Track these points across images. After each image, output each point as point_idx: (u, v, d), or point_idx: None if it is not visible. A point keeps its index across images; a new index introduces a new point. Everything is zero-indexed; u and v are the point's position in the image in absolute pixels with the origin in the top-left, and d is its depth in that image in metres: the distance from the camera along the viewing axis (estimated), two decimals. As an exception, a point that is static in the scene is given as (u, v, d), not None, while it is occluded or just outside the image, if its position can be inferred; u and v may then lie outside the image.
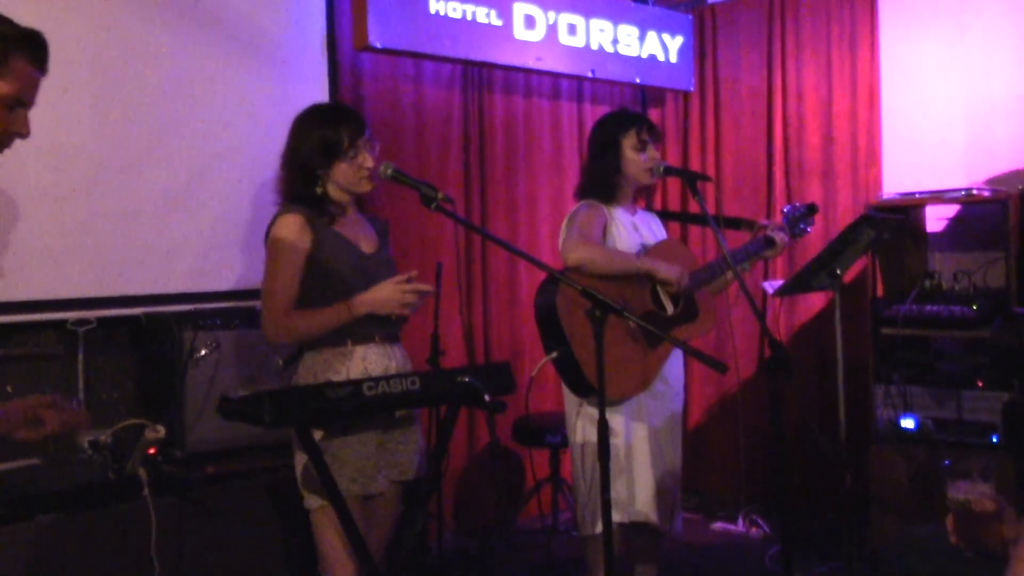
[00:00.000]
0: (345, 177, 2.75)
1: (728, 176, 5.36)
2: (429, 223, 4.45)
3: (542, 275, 3.21)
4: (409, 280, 2.69)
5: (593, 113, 5.14)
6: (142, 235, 3.52)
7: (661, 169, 3.34)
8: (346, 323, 2.67)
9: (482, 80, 4.82)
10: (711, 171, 5.36)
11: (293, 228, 2.69)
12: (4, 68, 1.79)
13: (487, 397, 2.50)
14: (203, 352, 3.26)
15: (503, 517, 4.70)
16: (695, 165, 5.43)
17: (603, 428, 2.58)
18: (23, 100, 1.84)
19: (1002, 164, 4.43)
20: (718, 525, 4.90)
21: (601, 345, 2.53)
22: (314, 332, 2.69)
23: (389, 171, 2.66)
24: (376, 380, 2.44)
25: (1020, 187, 4.11)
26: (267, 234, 2.74)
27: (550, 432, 4.44)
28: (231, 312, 3.40)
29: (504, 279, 4.89)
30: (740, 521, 4.83)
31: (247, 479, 3.22)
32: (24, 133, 1.87)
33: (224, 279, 3.72)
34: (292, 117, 2.85)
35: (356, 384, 2.41)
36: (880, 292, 4.35)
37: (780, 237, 3.40)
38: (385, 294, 2.67)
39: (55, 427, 2.00)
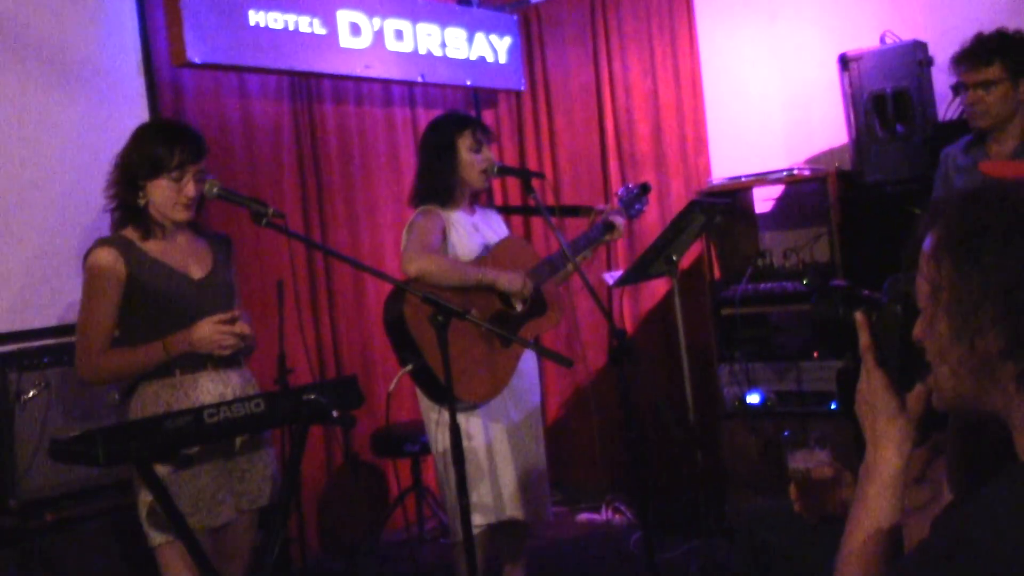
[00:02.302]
0: (163, 195, 2.63)
1: (565, 171, 5.43)
2: (267, 240, 4.34)
3: (390, 285, 3.17)
4: (232, 320, 2.61)
5: (427, 118, 5.10)
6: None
7: (496, 169, 3.35)
8: (164, 361, 2.58)
9: (311, 91, 4.73)
10: (548, 168, 5.43)
11: (105, 263, 2.58)
12: None
13: (335, 413, 2.44)
14: (31, 393, 3.08)
15: (368, 531, 4.64)
16: (532, 163, 5.49)
17: (455, 434, 2.58)
18: None
19: (819, 144, 4.65)
20: (582, 516, 4.96)
21: (446, 350, 2.51)
22: (129, 372, 2.60)
23: (215, 190, 2.59)
24: (217, 406, 2.36)
25: (837, 165, 4.32)
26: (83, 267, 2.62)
27: (409, 441, 4.40)
28: (60, 348, 3.23)
29: (350, 291, 4.82)
30: (603, 510, 4.90)
31: (90, 522, 3.07)
32: None
33: (50, 314, 3.53)
34: (111, 140, 2.74)
35: (196, 412, 2.31)
36: (717, 274, 4.49)
37: (617, 220, 3.46)
38: (202, 334, 2.57)
39: None
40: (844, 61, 4.06)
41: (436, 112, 5.17)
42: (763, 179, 4.37)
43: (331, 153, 4.81)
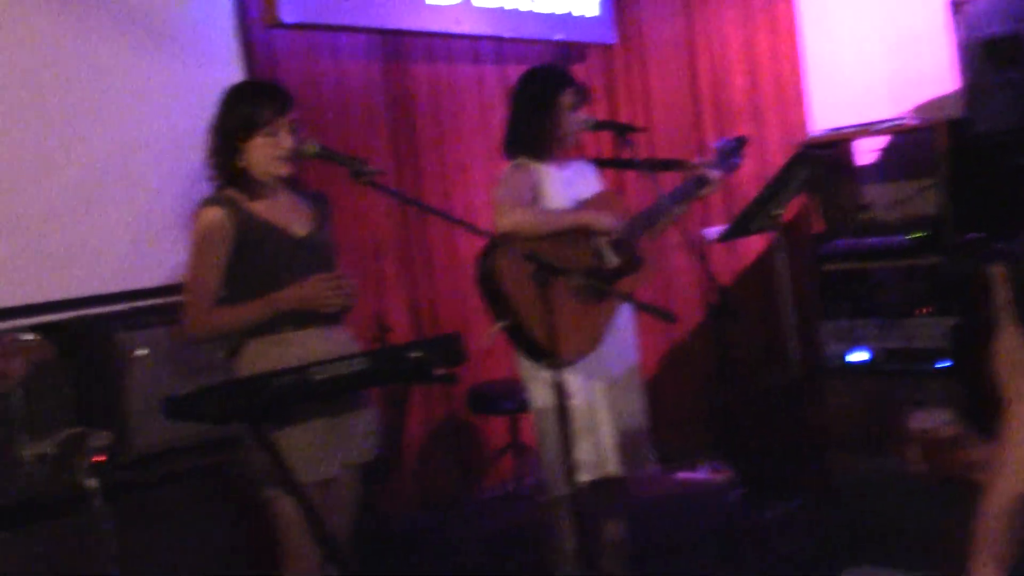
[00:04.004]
0: (261, 153, 2.65)
1: (658, 125, 5.33)
2: (361, 199, 4.36)
3: (482, 240, 3.15)
4: (339, 278, 2.64)
5: (516, 73, 4.94)
6: (61, 237, 3.40)
7: (592, 123, 3.29)
8: (271, 317, 2.61)
9: (401, 49, 4.71)
10: (641, 123, 5.33)
11: (214, 221, 2.62)
12: None
13: (438, 371, 2.44)
14: (140, 352, 3.16)
15: (465, 487, 4.68)
16: (624, 117, 5.39)
17: (560, 392, 2.55)
18: None
19: (926, 92, 4.46)
20: (681, 475, 4.92)
21: (548, 308, 2.48)
22: (237, 328, 2.64)
23: (315, 148, 2.59)
24: (323, 364, 2.37)
25: (947, 113, 4.15)
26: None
27: (505, 399, 4.39)
28: (168, 307, 3.28)
29: (444, 248, 4.81)
30: (701, 468, 4.85)
31: (201, 477, 3.15)
32: None
33: (156, 275, 3.60)
34: (208, 103, 2.76)
35: (302, 370, 2.33)
36: (819, 229, 4.37)
37: (713, 174, 3.37)
38: (309, 292, 2.61)
39: None
40: (956, 5, 3.88)
41: (525, 68, 5.12)
42: (867, 130, 4.23)
43: (422, 111, 4.80)
